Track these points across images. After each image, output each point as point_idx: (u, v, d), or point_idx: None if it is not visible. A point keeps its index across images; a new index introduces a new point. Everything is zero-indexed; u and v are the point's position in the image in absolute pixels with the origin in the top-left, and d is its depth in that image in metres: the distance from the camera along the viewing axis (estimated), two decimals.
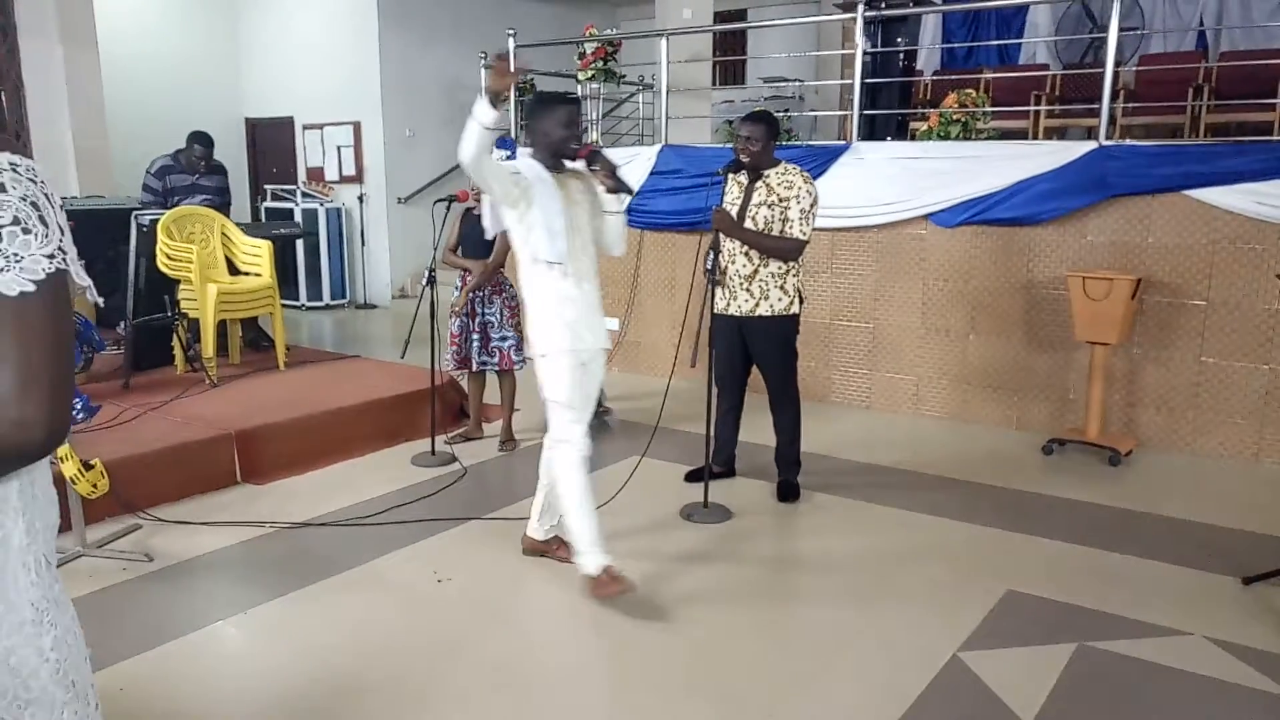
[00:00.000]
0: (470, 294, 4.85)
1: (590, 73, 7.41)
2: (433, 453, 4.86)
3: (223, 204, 6.51)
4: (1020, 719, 2.61)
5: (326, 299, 9.94)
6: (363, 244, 10.14)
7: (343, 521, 4.01)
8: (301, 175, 10.47)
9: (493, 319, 4.92)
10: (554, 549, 3.64)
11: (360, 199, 10.03)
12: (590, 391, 3.41)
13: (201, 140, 6.40)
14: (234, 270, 5.99)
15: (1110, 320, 4.79)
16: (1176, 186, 4.91)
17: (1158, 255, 4.99)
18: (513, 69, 3.12)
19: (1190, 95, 6.54)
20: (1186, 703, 2.72)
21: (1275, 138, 5.57)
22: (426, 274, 4.74)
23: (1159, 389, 5.09)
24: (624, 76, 7.84)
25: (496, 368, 4.98)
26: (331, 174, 10.22)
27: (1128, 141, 5.25)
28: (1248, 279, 4.77)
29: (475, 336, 4.92)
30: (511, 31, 7.25)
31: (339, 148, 10.09)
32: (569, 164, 3.34)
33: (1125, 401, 5.17)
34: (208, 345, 5.47)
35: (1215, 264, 4.86)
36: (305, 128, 10.36)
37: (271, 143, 10.71)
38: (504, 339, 4.94)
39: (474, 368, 5.00)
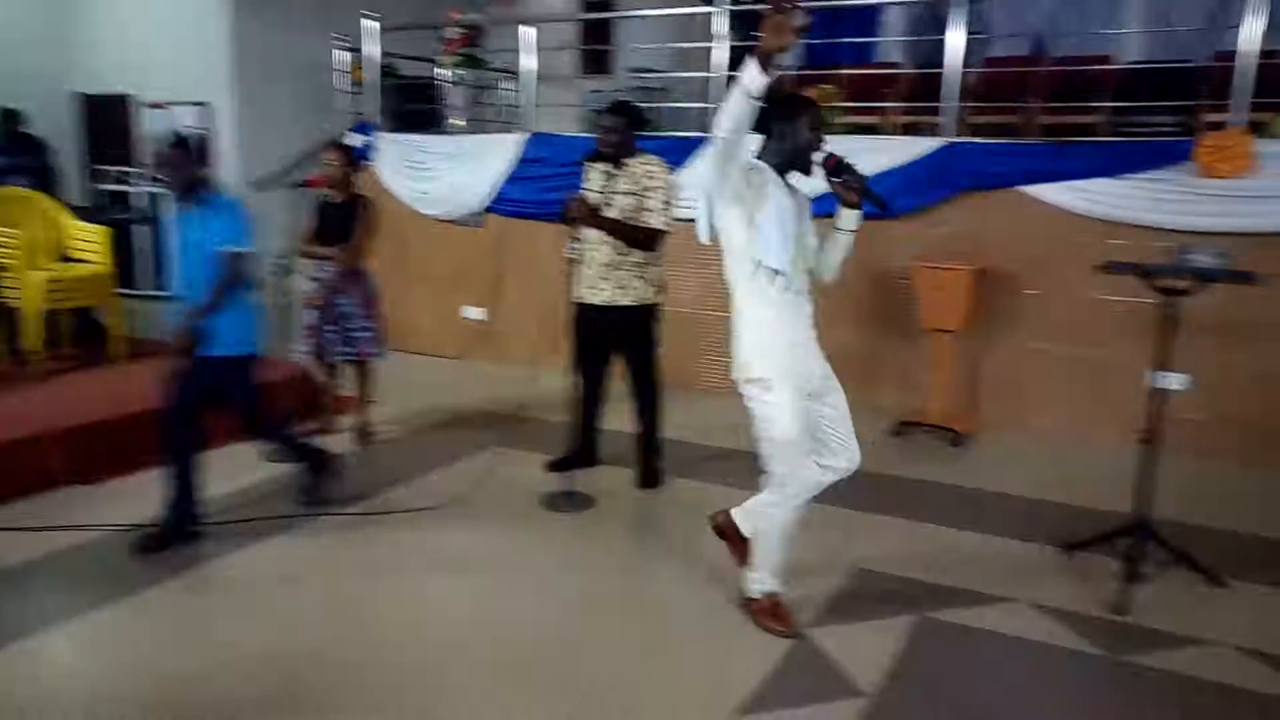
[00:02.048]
0: (329, 285, 4.69)
1: (454, 59, 7.26)
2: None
3: (45, 185, 6.06)
4: (862, 691, 2.72)
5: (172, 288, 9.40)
6: None
7: None
8: (143, 157, 9.85)
9: (349, 310, 4.77)
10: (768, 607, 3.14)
11: None
12: (840, 408, 3.03)
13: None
14: (66, 257, 5.59)
15: (953, 308, 5.05)
16: (1013, 183, 5.21)
17: (996, 247, 5.28)
18: (799, 21, 2.48)
19: (1027, 97, 6.93)
20: (1013, 665, 2.91)
21: (1098, 139, 5.98)
22: (276, 262, 4.55)
23: (996, 373, 5.40)
24: (489, 63, 7.72)
25: (354, 359, 4.84)
26: None
27: (972, 139, 5.54)
28: (1073, 270, 5.10)
29: (331, 328, 4.76)
30: (372, 14, 7.02)
31: (186, 129, 9.54)
32: (789, 177, 2.99)
33: (967, 385, 5.46)
34: (29, 336, 5.08)
35: (1045, 255, 5.19)
36: (147, 106, 9.76)
37: (108, 121, 10.01)
38: (362, 330, 4.80)
39: (329, 359, 4.84)
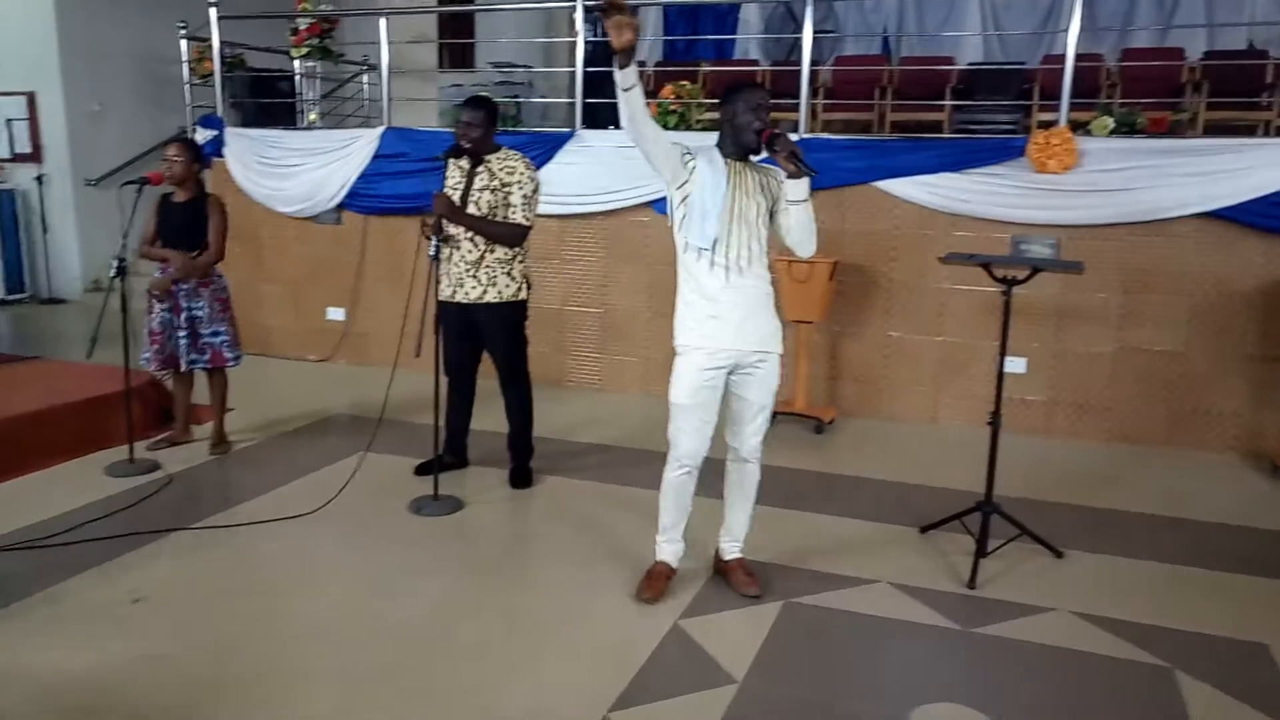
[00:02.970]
0: (174, 286, 4.44)
1: (305, 50, 7.00)
2: (131, 461, 4.41)
3: None
4: (733, 676, 2.79)
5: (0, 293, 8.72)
6: (44, 231, 8.97)
7: (16, 545, 3.54)
8: None
9: (200, 314, 4.53)
10: (732, 570, 3.41)
11: (39, 180, 8.86)
12: (754, 398, 3.16)
13: None
14: None
15: (813, 300, 5.22)
16: (866, 178, 5.42)
17: (852, 240, 5.49)
18: (629, 17, 2.59)
19: (877, 95, 7.24)
20: (874, 642, 3.04)
21: (943, 135, 6.30)
22: (114, 264, 4.28)
23: (855, 362, 5.62)
24: (343, 55, 7.47)
25: (207, 366, 4.60)
26: (0, 151, 8.95)
27: (824, 135, 5.74)
28: (923, 261, 5.35)
29: (183, 333, 4.51)
30: (214, 1, 6.68)
31: (9, 121, 8.85)
32: (754, 159, 3.11)
33: (828, 375, 5.66)
34: None
35: (898, 248, 5.43)
36: None
37: None
38: (215, 335, 4.57)
39: (182, 367, 4.58)
